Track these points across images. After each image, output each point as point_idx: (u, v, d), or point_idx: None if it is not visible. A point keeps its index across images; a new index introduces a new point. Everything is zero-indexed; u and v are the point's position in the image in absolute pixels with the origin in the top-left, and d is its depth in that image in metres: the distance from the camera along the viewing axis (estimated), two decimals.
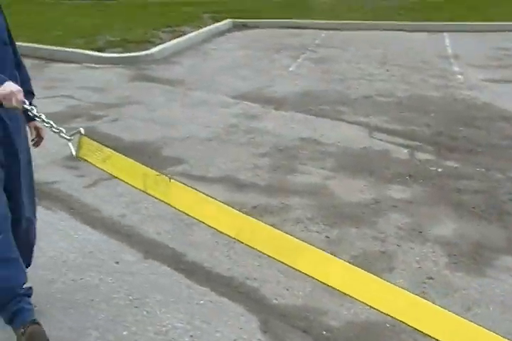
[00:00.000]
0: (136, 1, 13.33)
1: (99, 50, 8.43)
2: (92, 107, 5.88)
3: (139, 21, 10.64)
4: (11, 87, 2.05)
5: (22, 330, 2.29)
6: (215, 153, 4.49)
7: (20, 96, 2.08)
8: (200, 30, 9.83)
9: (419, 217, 3.47)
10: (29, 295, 2.41)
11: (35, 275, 2.89)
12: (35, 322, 2.33)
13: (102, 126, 5.24)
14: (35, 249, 2.69)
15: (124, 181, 2.13)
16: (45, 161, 4.29)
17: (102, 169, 2.18)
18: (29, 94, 2.43)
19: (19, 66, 2.48)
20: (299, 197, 3.72)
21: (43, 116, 2.17)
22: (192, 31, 9.73)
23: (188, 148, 4.61)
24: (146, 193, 2.03)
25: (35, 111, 2.15)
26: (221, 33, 10.09)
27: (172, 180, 2.00)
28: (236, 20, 10.78)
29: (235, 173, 4.09)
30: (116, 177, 2.18)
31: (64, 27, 10.43)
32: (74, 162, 4.03)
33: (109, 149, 2.15)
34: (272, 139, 4.78)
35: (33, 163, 2.51)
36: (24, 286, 2.35)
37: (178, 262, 3.01)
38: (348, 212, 3.53)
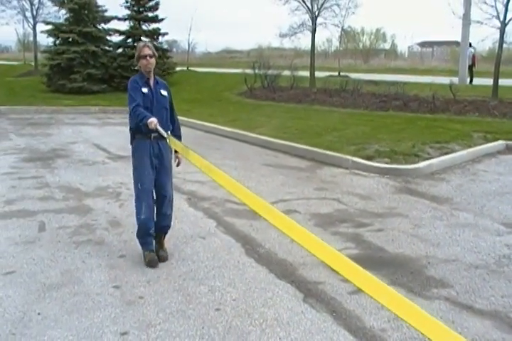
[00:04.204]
0: (406, 115, 13.89)
1: (367, 159, 8.89)
2: (358, 214, 6.16)
3: (407, 134, 10.99)
4: (152, 118, 4.26)
5: None
6: (484, 283, 4.25)
7: (155, 123, 4.23)
8: (469, 150, 9.66)
9: None
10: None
11: None
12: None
13: (367, 234, 5.42)
14: None
15: (177, 149, 4.35)
16: (316, 260, 4.59)
17: (172, 147, 4.36)
18: (178, 137, 4.59)
19: (174, 122, 4.75)
20: None
21: (160, 129, 4.28)
22: (461, 149, 9.64)
23: (452, 272, 4.47)
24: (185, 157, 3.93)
25: (160, 129, 4.27)
26: (492, 154, 9.75)
27: (188, 149, 3.75)
28: (510, 142, 10.38)
29: (506, 311, 3.79)
30: (174, 149, 4.43)
31: (336, 133, 11.36)
32: None
33: (173, 138, 4.28)
34: None
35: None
36: None
37: None
38: None
